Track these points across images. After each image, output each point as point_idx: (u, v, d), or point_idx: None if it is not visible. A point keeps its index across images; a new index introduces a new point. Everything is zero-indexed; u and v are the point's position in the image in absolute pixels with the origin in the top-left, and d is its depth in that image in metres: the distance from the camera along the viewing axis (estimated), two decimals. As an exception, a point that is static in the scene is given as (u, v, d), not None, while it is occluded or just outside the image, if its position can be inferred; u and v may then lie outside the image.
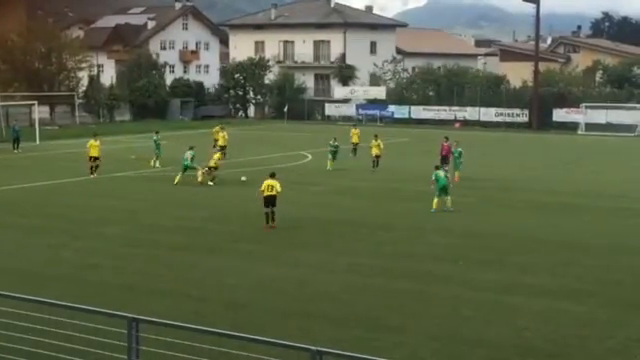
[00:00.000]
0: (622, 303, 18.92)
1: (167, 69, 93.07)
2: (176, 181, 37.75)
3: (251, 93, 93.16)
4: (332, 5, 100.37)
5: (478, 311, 18.20)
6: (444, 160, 40.87)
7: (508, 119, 79.39)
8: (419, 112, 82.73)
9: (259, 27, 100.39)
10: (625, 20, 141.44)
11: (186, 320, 12.89)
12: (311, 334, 15.66)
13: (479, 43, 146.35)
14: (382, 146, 44.41)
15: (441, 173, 31.53)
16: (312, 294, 19.63)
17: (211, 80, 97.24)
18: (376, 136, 44.71)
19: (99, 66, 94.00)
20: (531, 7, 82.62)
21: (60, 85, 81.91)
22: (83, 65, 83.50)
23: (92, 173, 40.19)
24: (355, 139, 49.07)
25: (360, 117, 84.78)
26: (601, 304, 18.84)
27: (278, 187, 27.26)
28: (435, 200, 30.88)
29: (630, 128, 73.11)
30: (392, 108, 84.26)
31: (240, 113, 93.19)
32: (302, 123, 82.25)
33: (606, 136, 69.42)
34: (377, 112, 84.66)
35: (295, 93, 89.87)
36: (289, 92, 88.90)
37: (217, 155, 39.49)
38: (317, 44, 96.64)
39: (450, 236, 26.60)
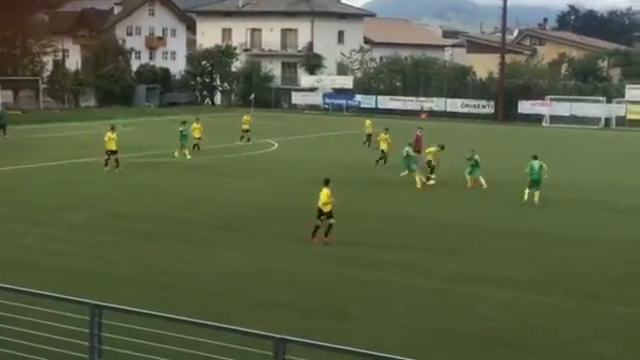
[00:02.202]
0: (586, 294, 19.09)
1: (133, 55, 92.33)
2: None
3: (218, 80, 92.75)
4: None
5: (444, 301, 18.26)
6: (416, 151, 40.97)
7: (474, 110, 79.77)
8: (386, 102, 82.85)
9: (227, 14, 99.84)
10: (591, 13, 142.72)
11: (150, 307, 12.77)
12: (276, 322, 15.60)
13: (446, 34, 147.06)
14: (390, 141, 41.68)
15: (536, 165, 30.94)
16: (278, 283, 19.58)
17: (177, 67, 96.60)
18: (387, 129, 42.49)
19: (64, 51, 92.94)
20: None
21: (24, 69, 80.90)
22: (48, 50, 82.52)
23: (107, 165, 37.74)
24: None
25: (327, 106, 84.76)
26: (566, 295, 18.99)
27: (326, 201, 23.40)
28: (526, 191, 30.69)
29: (594, 121, 73.81)
30: (359, 98, 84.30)
31: (207, 100, 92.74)
32: (269, 111, 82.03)
33: (570, 128, 70.01)
34: (344, 101, 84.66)
35: (262, 81, 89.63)
36: (256, 80, 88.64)
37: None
38: (284, 32, 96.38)
39: (421, 226, 26.67)
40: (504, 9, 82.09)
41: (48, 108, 77.26)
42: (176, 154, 42.60)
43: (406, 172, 35.54)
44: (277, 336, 8.98)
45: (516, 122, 75.20)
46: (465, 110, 79.87)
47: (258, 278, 19.98)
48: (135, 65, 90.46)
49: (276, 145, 50.66)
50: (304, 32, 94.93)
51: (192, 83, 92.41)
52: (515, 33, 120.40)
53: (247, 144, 49.14)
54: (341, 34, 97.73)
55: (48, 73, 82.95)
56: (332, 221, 23.28)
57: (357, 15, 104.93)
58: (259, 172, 38.72)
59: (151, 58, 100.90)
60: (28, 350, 11.40)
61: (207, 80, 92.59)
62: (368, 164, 41.75)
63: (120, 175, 36.68)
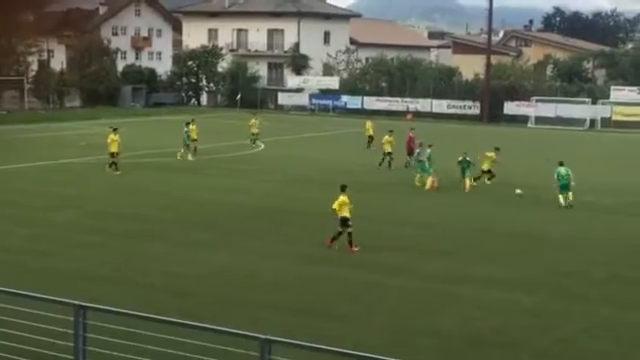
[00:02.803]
0: (571, 294, 19.12)
1: (119, 55, 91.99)
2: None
3: (204, 81, 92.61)
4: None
5: (429, 301, 18.27)
6: (409, 152, 41.06)
7: (460, 111, 79.92)
8: (372, 103, 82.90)
9: (213, 15, 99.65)
10: (576, 15, 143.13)
11: (134, 308, 12.71)
12: (260, 323, 15.56)
13: (432, 35, 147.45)
14: (394, 143, 41.21)
15: (563, 171, 31.43)
16: (262, 283, 19.54)
17: (163, 67, 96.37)
18: (391, 131, 41.81)
19: (49, 51, 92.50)
20: (484, 0, 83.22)
21: (9, 69, 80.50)
22: (33, 50, 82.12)
23: (111, 167, 37.15)
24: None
25: (313, 107, 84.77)
26: (550, 295, 19.03)
27: (344, 208, 22.88)
28: (560, 197, 31.05)
29: (579, 122, 74.09)
30: (345, 98, 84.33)
31: (192, 101, 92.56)
32: (255, 112, 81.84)
33: (556, 130, 70.23)
34: (330, 102, 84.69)
35: (248, 82, 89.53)
36: (242, 81, 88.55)
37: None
38: (271, 33, 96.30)
39: (404, 227, 26.66)
40: (490, 10, 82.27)
41: (33, 108, 76.93)
42: (178, 156, 42.23)
43: (419, 175, 35.40)
44: (262, 336, 8.96)
45: (502, 123, 75.39)
46: (451, 111, 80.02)
47: (243, 278, 19.93)
48: (121, 65, 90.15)
49: (262, 146, 50.58)
50: (290, 33, 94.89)
51: (178, 83, 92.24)
52: (501, 34, 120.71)
53: (254, 147, 48.93)
54: (327, 35, 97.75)
55: (33, 73, 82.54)
56: (350, 230, 22.86)
57: (343, 16, 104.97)
58: (245, 172, 38.66)
59: (137, 58, 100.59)
60: (12, 351, 11.33)
61: (193, 80, 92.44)
62: (356, 164, 41.75)
63: (104, 176, 36.52)
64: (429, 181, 34.61)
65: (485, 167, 35.81)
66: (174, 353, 10.52)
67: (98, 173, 37.43)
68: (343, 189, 23.24)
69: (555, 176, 31.57)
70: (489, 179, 35.73)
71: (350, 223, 22.74)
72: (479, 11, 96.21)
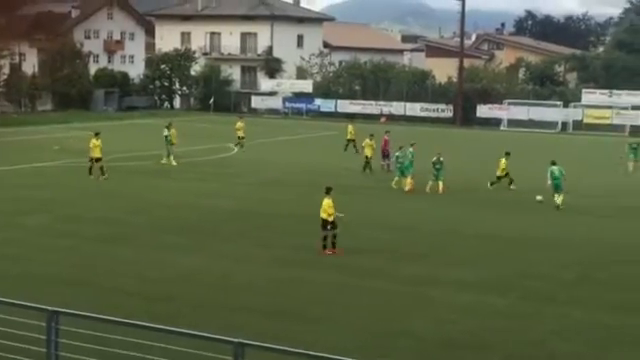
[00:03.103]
0: (542, 296, 19.28)
1: (91, 59, 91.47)
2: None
3: (177, 84, 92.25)
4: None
5: (404, 304, 18.34)
6: (384, 155, 41.16)
7: (433, 114, 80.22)
8: (345, 106, 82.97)
9: (186, 18, 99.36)
10: (547, 19, 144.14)
11: (107, 312, 12.67)
12: (234, 327, 15.56)
13: (405, 38, 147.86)
14: (375, 147, 41.11)
15: (556, 170, 31.67)
16: (236, 286, 19.53)
17: (136, 70, 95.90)
18: (372, 135, 41.60)
19: (21, 54, 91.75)
20: (457, 4, 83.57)
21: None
22: (4, 53, 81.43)
23: (92, 173, 36.47)
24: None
25: (286, 110, 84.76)
26: (522, 297, 19.18)
27: (328, 209, 22.72)
28: (555, 196, 31.41)
29: (551, 125, 74.61)
30: (319, 101, 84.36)
31: (165, 104, 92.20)
32: (228, 115, 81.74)
33: (528, 132, 70.65)
34: (303, 105, 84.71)
35: (221, 85, 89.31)
36: (215, 84, 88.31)
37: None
38: (244, 36, 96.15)
39: (380, 229, 26.73)
40: (462, 14, 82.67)
41: (4, 112, 76.26)
42: (164, 160, 41.75)
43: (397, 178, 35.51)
44: (236, 340, 8.97)
45: (474, 126, 75.76)
46: (424, 114, 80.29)
47: (216, 282, 19.90)
48: (93, 69, 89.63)
49: (236, 149, 50.51)
50: (263, 36, 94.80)
51: (151, 87, 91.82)
52: (473, 38, 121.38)
53: (242, 151, 48.80)
54: (300, 38, 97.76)
55: (5, 77, 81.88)
56: (336, 231, 22.87)
57: (316, 19, 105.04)
58: (218, 176, 38.61)
59: (109, 62, 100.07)
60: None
61: (166, 84, 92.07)
62: (331, 167, 41.81)
63: (76, 179, 36.32)
64: (409, 182, 34.76)
65: (500, 172, 35.77)
66: (147, 358, 10.50)
67: (71, 177, 37.23)
68: (328, 192, 23.19)
69: (548, 175, 31.86)
70: (510, 183, 35.62)
71: (329, 227, 22.74)
72: (452, 15, 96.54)
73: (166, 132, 42.54)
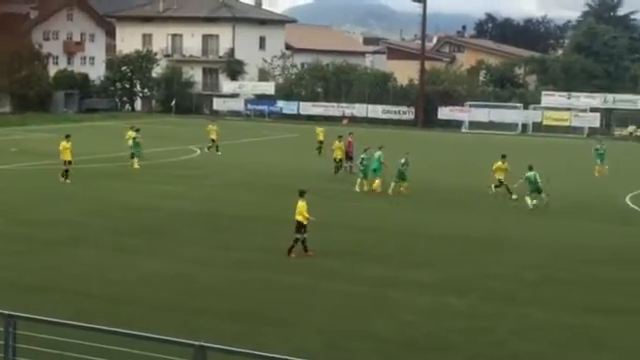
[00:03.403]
0: (501, 297, 19.41)
1: (50, 60, 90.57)
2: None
3: (138, 86, 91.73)
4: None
5: (365, 306, 18.36)
6: (347, 156, 41.16)
7: (395, 116, 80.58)
8: (308, 108, 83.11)
9: (147, 20, 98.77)
10: (507, 21, 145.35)
11: (67, 317, 12.51)
12: (196, 329, 15.46)
13: (367, 41, 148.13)
14: (344, 148, 40.91)
15: (531, 175, 32.10)
16: (199, 289, 19.42)
17: (97, 72, 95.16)
18: (340, 137, 41.42)
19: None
20: (418, 7, 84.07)
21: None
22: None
23: (64, 177, 35.76)
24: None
25: (248, 112, 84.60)
26: (481, 298, 19.29)
27: (305, 212, 22.77)
28: (528, 200, 31.97)
29: (511, 127, 75.31)
30: (281, 104, 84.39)
31: (127, 106, 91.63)
32: (190, 117, 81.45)
33: (489, 134, 71.22)
34: (266, 107, 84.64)
35: (183, 87, 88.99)
36: (177, 86, 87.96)
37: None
38: (206, 38, 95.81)
39: (341, 231, 26.73)
40: (424, 17, 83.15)
41: (-39, 114, 75.25)
42: (135, 165, 41.07)
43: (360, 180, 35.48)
44: (197, 343, 8.90)
45: (436, 128, 76.22)
46: (386, 116, 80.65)
47: (177, 284, 19.78)
48: (53, 70, 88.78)
49: (198, 151, 50.31)
50: (225, 38, 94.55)
51: (112, 89, 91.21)
52: (434, 40, 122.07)
53: (216, 154, 48.29)
54: (262, 40, 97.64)
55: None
56: (306, 235, 22.82)
57: (278, 21, 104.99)
58: (180, 178, 38.40)
59: (69, 63, 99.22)
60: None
61: (127, 86, 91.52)
62: (293, 169, 41.79)
63: (34, 182, 35.92)
64: (377, 184, 34.87)
65: (500, 176, 34.66)
66: (107, 362, 10.39)
67: (29, 180, 36.80)
68: (302, 194, 23.10)
69: (524, 181, 32.37)
70: (496, 187, 34.64)
71: (303, 230, 22.69)
72: (413, 17, 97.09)
73: (135, 135, 42.24)
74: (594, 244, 25.97)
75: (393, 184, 34.74)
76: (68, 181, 35.67)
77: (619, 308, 18.70)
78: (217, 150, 49.15)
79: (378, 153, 36.07)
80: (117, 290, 19.07)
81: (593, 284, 20.86)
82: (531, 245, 25.51)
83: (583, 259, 23.71)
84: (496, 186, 34.74)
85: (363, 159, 35.81)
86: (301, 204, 22.85)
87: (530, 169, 32.65)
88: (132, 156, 41.56)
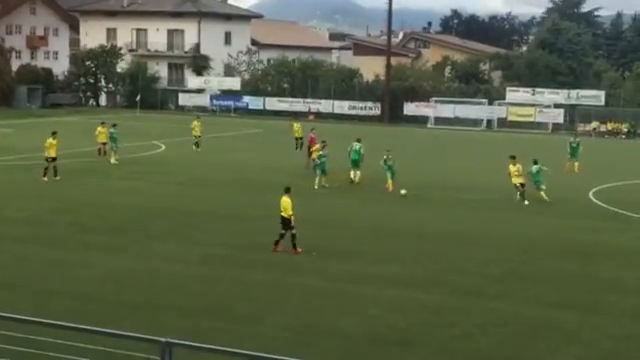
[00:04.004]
0: (466, 291, 19.56)
1: (13, 54, 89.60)
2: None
3: (102, 81, 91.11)
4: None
5: (331, 301, 18.41)
6: (310, 152, 41.08)
7: (361, 112, 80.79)
8: (273, 103, 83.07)
9: (111, 14, 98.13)
10: (473, 18, 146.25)
11: (29, 313, 12.45)
12: (162, 326, 15.44)
13: (333, 36, 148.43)
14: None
15: (534, 169, 33.22)
16: (164, 286, 19.36)
17: (60, 67, 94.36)
18: (312, 129, 41.18)
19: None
20: (385, 2, 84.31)
21: None
22: None
23: (46, 174, 35.03)
24: (299, 133, 45.52)
25: (214, 108, 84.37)
26: (447, 292, 19.42)
27: (289, 209, 22.64)
28: (542, 194, 33.03)
29: (476, 122, 75.84)
30: (247, 99, 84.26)
31: (91, 101, 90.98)
32: (155, 113, 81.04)
33: (454, 130, 71.64)
34: (232, 103, 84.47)
35: (148, 82, 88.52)
36: (142, 81, 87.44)
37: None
38: (171, 33, 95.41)
39: (305, 227, 26.67)
40: (389, 12, 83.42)
41: None
42: (112, 160, 40.92)
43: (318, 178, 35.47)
44: (163, 340, 8.89)
45: (402, 123, 76.51)
46: (352, 112, 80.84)
47: (142, 281, 19.71)
48: (15, 65, 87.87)
49: (163, 147, 50.08)
50: (191, 33, 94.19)
51: (76, 84, 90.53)
52: (400, 36, 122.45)
53: (198, 150, 47.85)
54: (228, 35, 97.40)
55: None
56: (294, 231, 22.76)
57: (244, 16, 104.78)
58: (144, 174, 38.20)
59: (32, 58, 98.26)
60: None
61: (91, 81, 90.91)
62: (260, 165, 41.75)
63: None
64: (356, 174, 35.84)
65: (520, 180, 32.86)
66: (75, 359, 10.34)
67: (52, 182, 36.00)
68: (287, 191, 23.08)
69: (530, 175, 33.36)
70: (521, 194, 32.74)
71: (290, 226, 22.66)
72: (380, 13, 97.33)
73: (112, 130, 42.13)
74: (558, 239, 26.23)
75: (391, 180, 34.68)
76: (58, 178, 34.99)
77: (583, 303, 18.93)
78: (197, 146, 48.49)
79: (358, 145, 36.27)
80: (82, 287, 18.97)
81: (557, 279, 21.08)
82: (496, 240, 25.71)
83: (547, 254, 23.94)
84: (520, 194, 32.71)
85: (320, 156, 35.63)
86: (286, 200, 22.81)
87: (535, 163, 33.74)
88: (116, 150, 41.47)
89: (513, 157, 33.56)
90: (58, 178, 35.05)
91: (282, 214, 22.76)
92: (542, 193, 33.16)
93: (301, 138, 47.93)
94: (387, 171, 34.80)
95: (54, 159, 35.58)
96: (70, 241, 23.83)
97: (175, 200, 31.48)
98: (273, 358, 8.86)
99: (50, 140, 36.10)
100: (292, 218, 22.64)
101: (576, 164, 43.70)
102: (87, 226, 26.07)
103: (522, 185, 32.94)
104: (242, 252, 22.81)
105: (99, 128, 43.41)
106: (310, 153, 40.88)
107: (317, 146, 36.93)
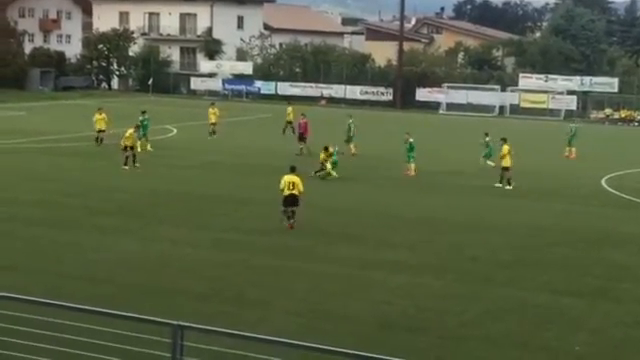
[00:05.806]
0: (477, 278, 19.60)
1: (26, 38, 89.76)
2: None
3: (115, 65, 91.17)
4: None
5: (340, 286, 18.48)
6: (301, 137, 41.05)
7: (373, 97, 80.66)
8: (285, 88, 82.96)
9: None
10: (486, 3, 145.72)
11: (43, 295, 12.57)
12: (173, 309, 15.54)
13: (346, 21, 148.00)
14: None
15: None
16: (175, 269, 19.47)
17: (73, 50, 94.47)
18: (303, 115, 42.07)
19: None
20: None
21: None
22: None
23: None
24: (291, 117, 46.52)
25: (226, 92, 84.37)
26: (457, 279, 19.47)
27: (300, 186, 23.51)
28: None
29: (489, 108, 75.60)
30: (259, 84, 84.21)
31: (103, 85, 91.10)
32: (167, 96, 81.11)
33: (466, 116, 71.46)
34: (244, 87, 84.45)
35: (160, 66, 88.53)
36: (154, 65, 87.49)
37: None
38: (183, 17, 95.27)
39: (315, 211, 26.77)
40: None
41: None
42: (148, 147, 39.93)
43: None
44: (175, 323, 8.98)
45: (414, 109, 76.35)
46: (364, 97, 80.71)
47: (153, 265, 19.83)
48: (28, 48, 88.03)
49: (175, 131, 50.17)
50: (203, 17, 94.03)
51: (88, 67, 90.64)
52: (413, 21, 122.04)
53: (213, 137, 46.45)
54: (240, 19, 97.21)
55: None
56: (295, 208, 23.76)
57: (257, 1, 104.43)
58: (157, 158, 38.27)
59: (45, 41, 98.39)
60: None
61: (104, 64, 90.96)
62: (270, 150, 41.80)
63: (8, 161, 35.71)
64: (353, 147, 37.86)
65: (507, 164, 32.86)
66: (87, 341, 10.45)
67: (4, 159, 36.53)
68: (292, 170, 24.08)
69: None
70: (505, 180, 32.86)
71: (296, 203, 23.60)
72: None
73: (141, 117, 40.72)
74: (568, 226, 26.22)
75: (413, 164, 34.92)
76: (138, 165, 34.50)
77: (593, 290, 18.95)
78: (214, 133, 47.04)
79: (349, 121, 37.13)
80: (94, 270, 19.09)
81: (567, 266, 21.08)
82: (507, 227, 25.73)
83: (558, 241, 23.94)
84: (506, 179, 32.78)
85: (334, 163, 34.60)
86: (295, 178, 23.62)
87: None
88: (146, 137, 40.37)
89: (504, 139, 33.87)
90: (138, 165, 34.48)
91: (292, 192, 23.36)
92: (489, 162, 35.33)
93: (291, 122, 47.58)
94: (408, 152, 34.81)
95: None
96: (81, 224, 23.96)
97: (186, 184, 31.57)
98: (283, 342, 8.95)
99: (97, 115, 39.62)
100: (291, 193, 23.38)
101: (573, 149, 43.78)
102: (98, 209, 26.18)
103: (507, 169, 32.87)
104: (253, 236, 22.90)
105: (96, 115, 41.72)
106: (303, 138, 40.60)
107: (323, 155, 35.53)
